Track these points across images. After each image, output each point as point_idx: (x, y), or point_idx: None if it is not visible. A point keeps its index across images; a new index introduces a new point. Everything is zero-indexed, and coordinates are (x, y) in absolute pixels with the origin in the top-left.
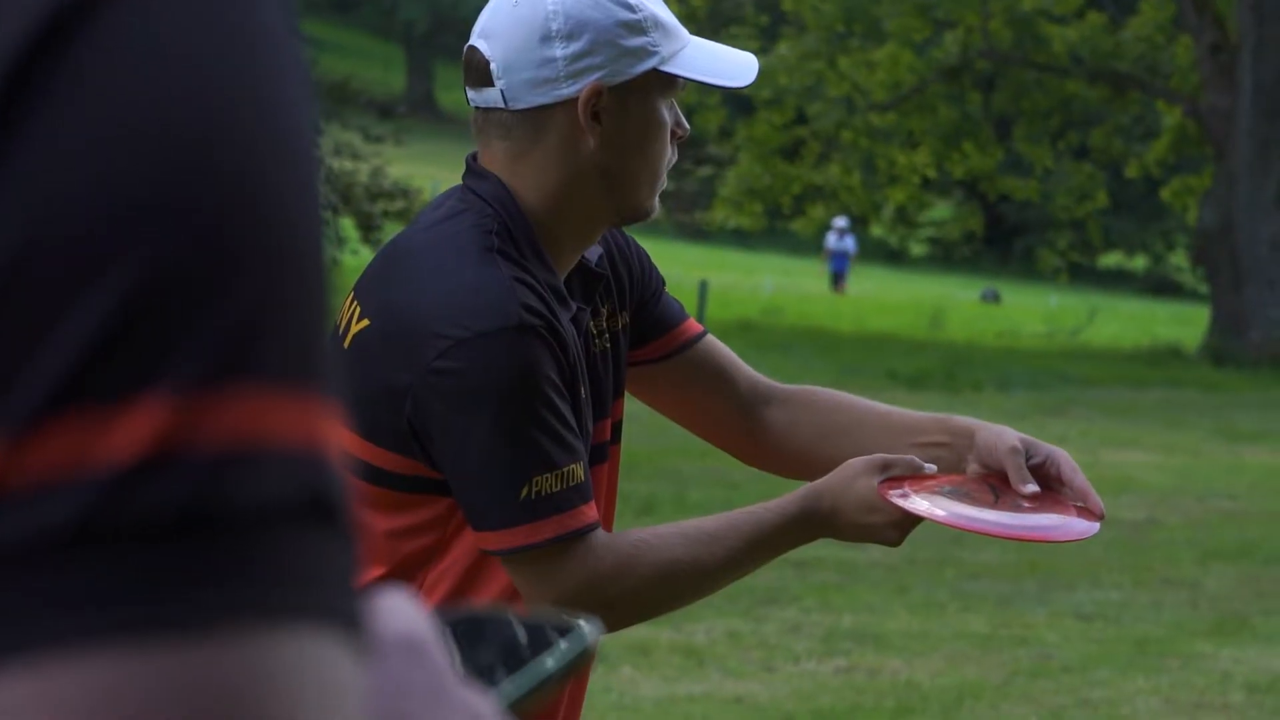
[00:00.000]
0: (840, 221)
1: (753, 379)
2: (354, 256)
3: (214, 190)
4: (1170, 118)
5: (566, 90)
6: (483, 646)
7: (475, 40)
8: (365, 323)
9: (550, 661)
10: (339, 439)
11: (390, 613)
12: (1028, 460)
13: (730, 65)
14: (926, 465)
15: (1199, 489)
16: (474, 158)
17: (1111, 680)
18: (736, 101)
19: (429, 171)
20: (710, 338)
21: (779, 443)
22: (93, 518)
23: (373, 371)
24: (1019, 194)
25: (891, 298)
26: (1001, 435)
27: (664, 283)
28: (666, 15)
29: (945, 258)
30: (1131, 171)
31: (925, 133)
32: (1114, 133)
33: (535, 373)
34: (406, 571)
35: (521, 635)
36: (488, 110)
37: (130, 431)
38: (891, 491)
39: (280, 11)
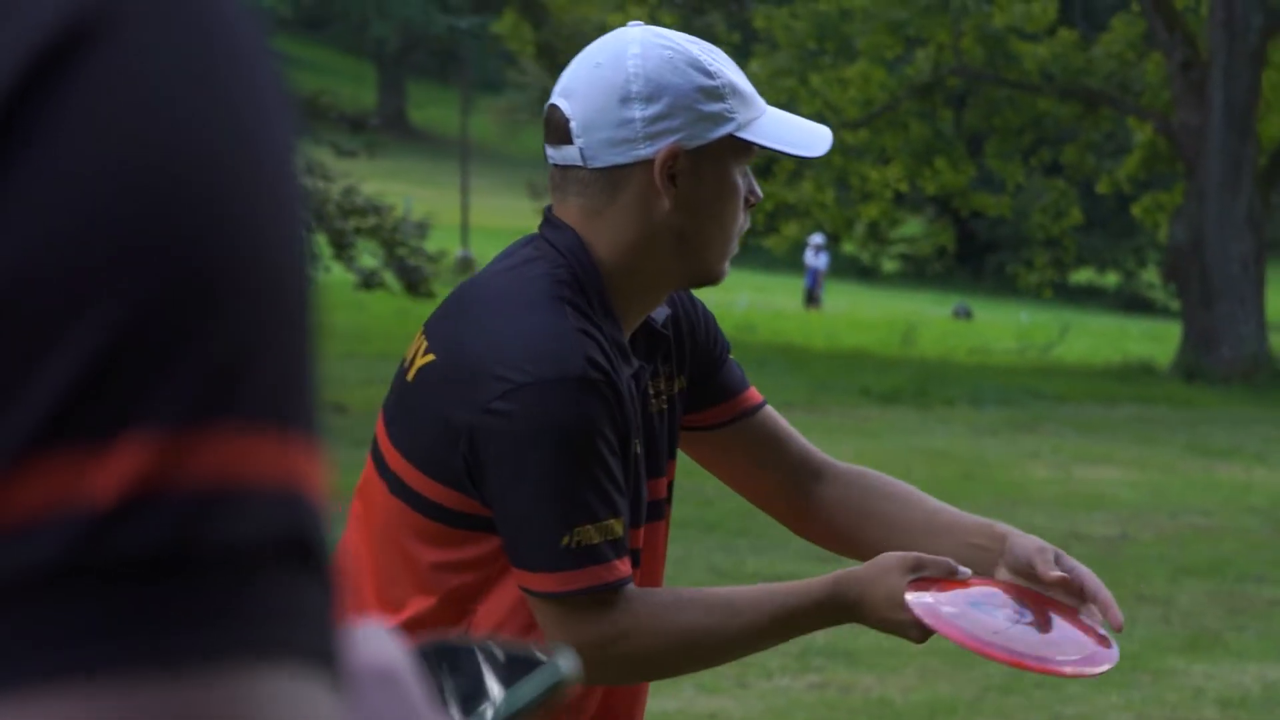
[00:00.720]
0: (817, 238)
1: (805, 451)
2: (326, 274)
3: (198, 231)
4: (1141, 134)
5: (644, 151)
6: (459, 676)
7: (556, 98)
8: (431, 357)
9: (525, 692)
10: (322, 477)
11: (366, 643)
12: (1055, 561)
13: (804, 135)
14: (960, 569)
15: (1171, 505)
16: (550, 209)
17: (1084, 696)
18: None
19: (401, 189)
20: (768, 409)
21: (825, 519)
22: (76, 556)
23: (433, 406)
24: (991, 210)
25: (864, 314)
26: (1032, 540)
27: (729, 349)
28: (744, 83)
29: (917, 274)
30: (1103, 188)
31: (897, 149)
32: (1085, 149)
33: (590, 425)
34: (457, 605)
35: (498, 666)
36: (566, 167)
37: (113, 471)
38: (913, 595)
39: (261, 44)
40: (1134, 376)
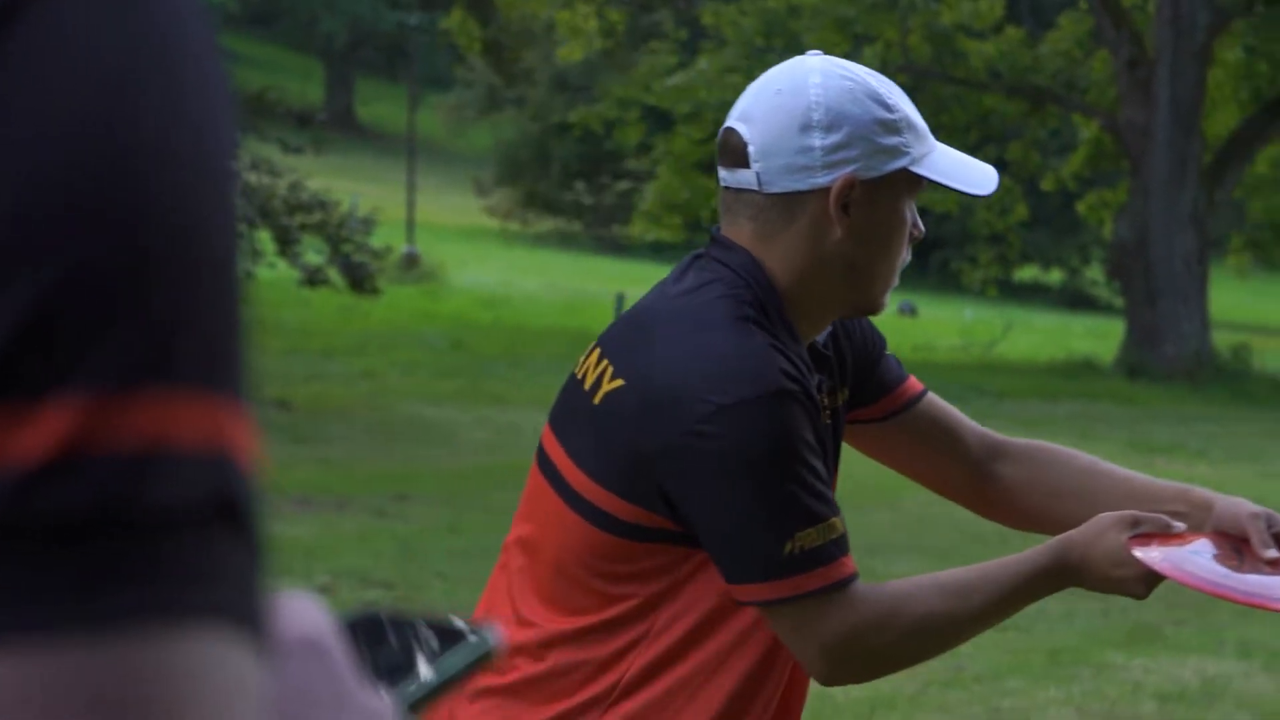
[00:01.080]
0: None
1: (981, 434)
2: (270, 270)
3: (134, 198)
4: (1087, 132)
5: (821, 179)
6: (385, 648)
7: (734, 123)
8: (619, 383)
9: (453, 663)
10: (250, 442)
11: (292, 614)
12: (1269, 528)
13: (975, 173)
14: (1175, 524)
15: None
16: (718, 230)
17: (1024, 690)
18: (655, 116)
19: (348, 185)
20: (931, 395)
21: (1013, 499)
22: (1, 517)
23: (625, 430)
24: (936, 207)
25: None
26: (1240, 504)
27: (885, 343)
28: (918, 118)
29: None
30: (1048, 185)
31: None
32: (1031, 146)
33: (795, 435)
34: (636, 614)
35: (426, 638)
36: (739, 190)
37: (41, 431)
38: (1138, 549)
39: (202, 26)
40: (1077, 373)
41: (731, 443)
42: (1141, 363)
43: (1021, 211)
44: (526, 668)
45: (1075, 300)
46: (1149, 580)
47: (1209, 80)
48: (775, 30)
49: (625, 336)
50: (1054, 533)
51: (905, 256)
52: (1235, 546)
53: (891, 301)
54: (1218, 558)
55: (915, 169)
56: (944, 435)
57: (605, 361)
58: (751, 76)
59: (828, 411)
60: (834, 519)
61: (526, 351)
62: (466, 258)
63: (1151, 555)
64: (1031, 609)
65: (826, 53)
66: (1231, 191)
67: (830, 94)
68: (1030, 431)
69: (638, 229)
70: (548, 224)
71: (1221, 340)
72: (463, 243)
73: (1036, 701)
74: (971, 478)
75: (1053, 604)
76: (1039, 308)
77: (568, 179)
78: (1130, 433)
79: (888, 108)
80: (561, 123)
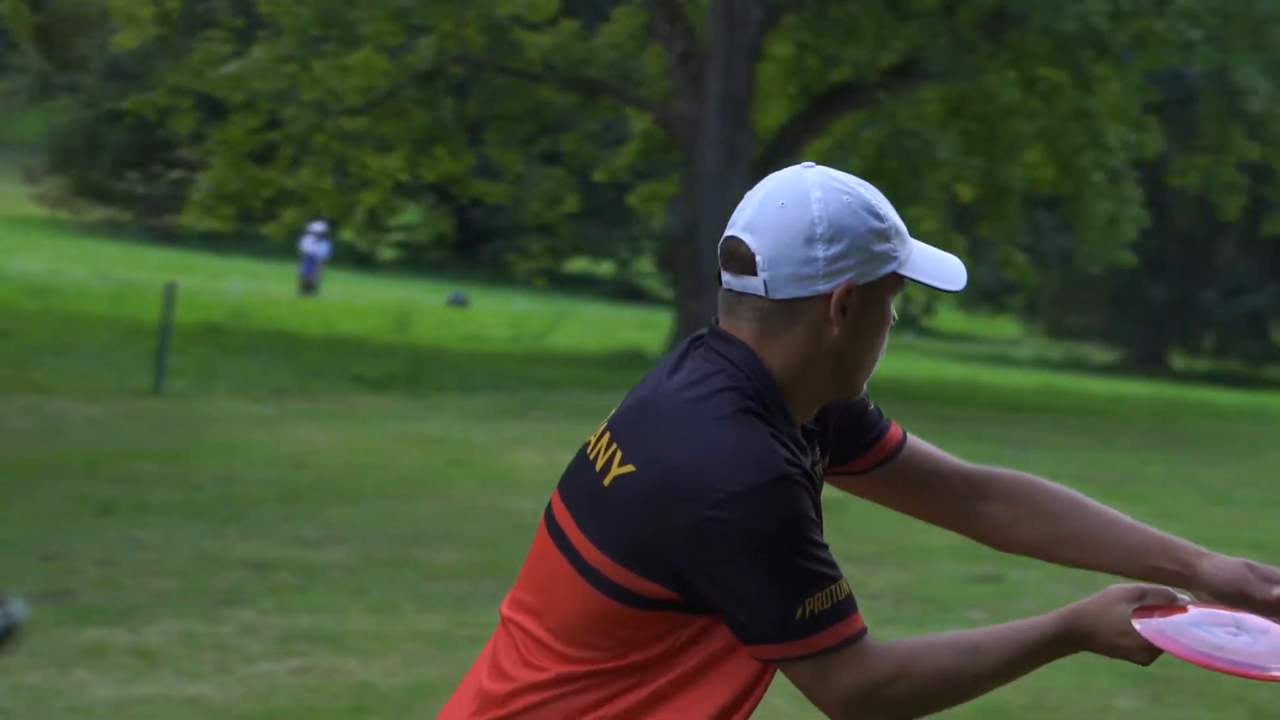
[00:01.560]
0: (318, 226)
1: (965, 473)
2: None
3: None
4: (640, 124)
5: (823, 287)
6: None
7: (740, 233)
8: (630, 468)
9: None
10: None
11: None
12: (1260, 578)
13: (948, 268)
14: (1179, 596)
15: None
16: (717, 323)
17: None
18: (209, 105)
19: None
20: (912, 442)
21: (1005, 536)
22: None
23: (637, 513)
24: (490, 198)
25: (360, 302)
26: (1229, 562)
27: (866, 400)
28: (900, 222)
29: (415, 262)
30: (600, 176)
31: (398, 137)
32: (584, 139)
33: (799, 513)
34: (637, 673)
35: None
36: (743, 294)
37: None
38: (1139, 620)
39: None
40: (624, 363)
41: (743, 526)
42: None
43: (572, 203)
44: (531, 696)
45: (626, 292)
46: (1150, 650)
47: (760, 74)
48: (331, 20)
49: (635, 423)
50: (1053, 562)
51: (884, 347)
52: (1235, 617)
53: (441, 293)
54: (1216, 625)
55: (902, 271)
56: (927, 480)
57: (615, 446)
58: (307, 66)
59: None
60: (840, 582)
61: (74, 340)
62: (14, 246)
63: (1150, 627)
64: None
65: (382, 43)
66: None
67: (831, 208)
68: (579, 421)
69: (190, 218)
70: (99, 213)
71: None
72: (10, 232)
73: None
74: (959, 517)
75: None
76: (590, 299)
77: (120, 168)
78: None
79: (880, 218)
80: (114, 110)
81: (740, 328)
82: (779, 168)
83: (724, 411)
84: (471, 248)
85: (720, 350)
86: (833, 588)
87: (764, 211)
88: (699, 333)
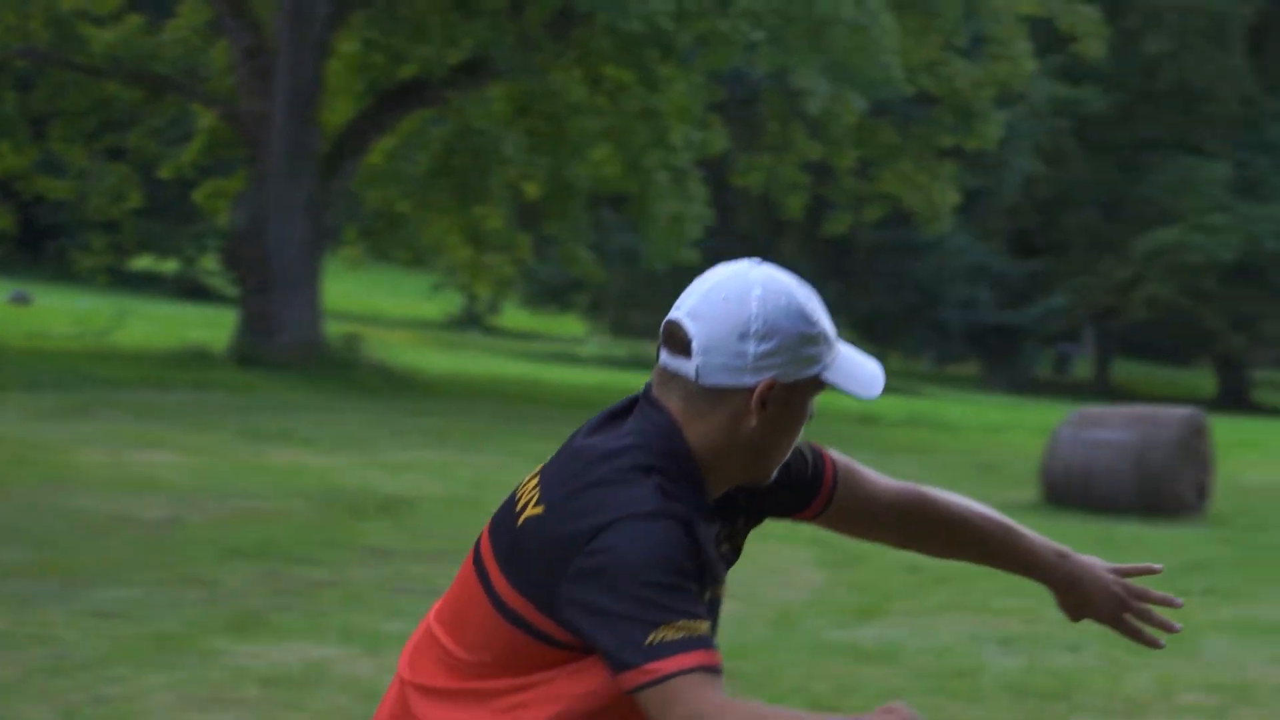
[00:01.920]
0: None
1: (894, 495)
2: None
3: None
4: (205, 120)
5: (748, 380)
6: None
7: (683, 317)
8: (540, 510)
9: None
10: None
11: None
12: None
13: (867, 375)
14: None
15: (222, 488)
16: (651, 388)
17: (128, 676)
18: None
19: None
20: (843, 477)
21: (931, 550)
22: None
23: (539, 552)
24: (54, 194)
25: None
26: (1100, 575)
27: (804, 451)
28: (830, 326)
29: None
30: (165, 173)
31: None
32: (150, 134)
33: (669, 549)
34: (543, 688)
35: None
36: (675, 374)
37: None
38: None
39: None
40: (190, 362)
41: (613, 555)
42: (254, 351)
43: (136, 199)
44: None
45: (191, 290)
46: None
47: (328, 71)
48: None
49: (557, 470)
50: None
51: (798, 439)
52: None
53: (3, 290)
54: None
55: (825, 376)
56: (865, 512)
57: (538, 489)
58: None
59: (724, 547)
60: (699, 623)
61: None
62: None
63: None
64: (138, 596)
65: None
66: (350, 182)
67: (768, 308)
68: (144, 420)
69: None
70: None
71: (334, 330)
72: None
73: (140, 688)
74: (898, 537)
75: (159, 592)
76: (155, 297)
77: None
78: (242, 421)
79: (811, 323)
80: None
81: (669, 401)
82: (348, 166)
83: (625, 466)
84: (35, 245)
85: (647, 415)
86: (688, 623)
87: (708, 301)
88: (636, 394)
